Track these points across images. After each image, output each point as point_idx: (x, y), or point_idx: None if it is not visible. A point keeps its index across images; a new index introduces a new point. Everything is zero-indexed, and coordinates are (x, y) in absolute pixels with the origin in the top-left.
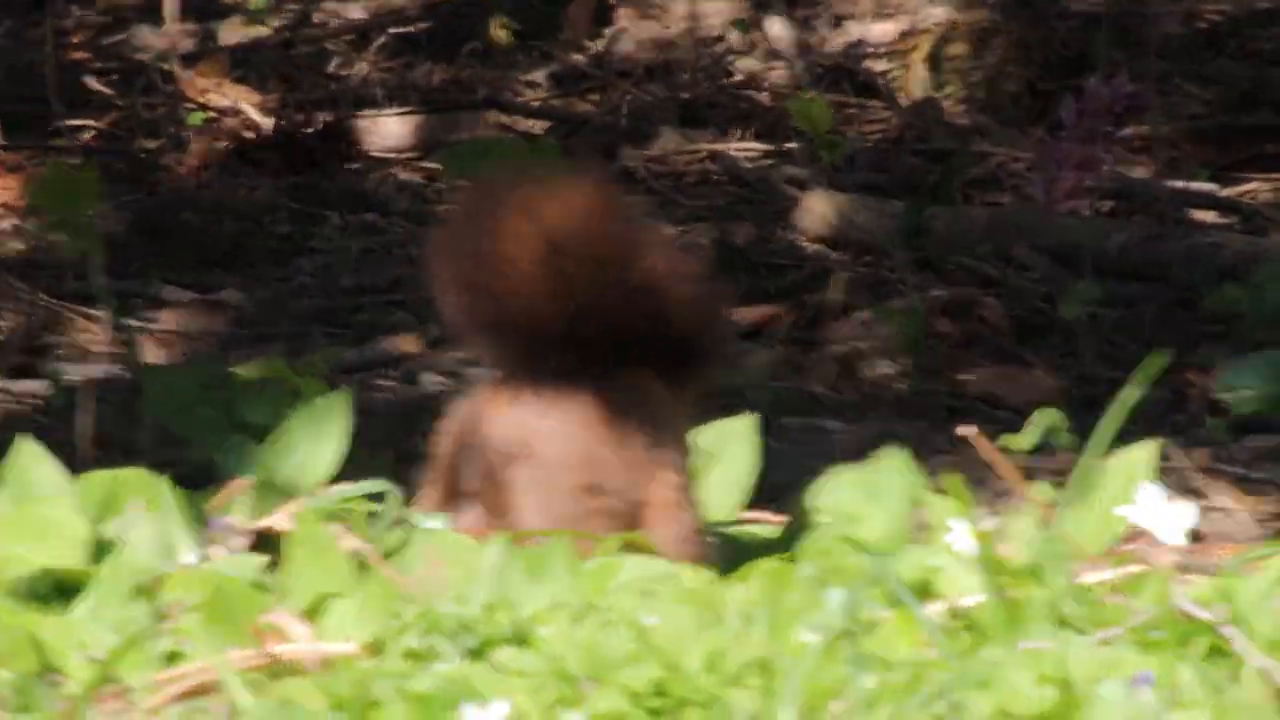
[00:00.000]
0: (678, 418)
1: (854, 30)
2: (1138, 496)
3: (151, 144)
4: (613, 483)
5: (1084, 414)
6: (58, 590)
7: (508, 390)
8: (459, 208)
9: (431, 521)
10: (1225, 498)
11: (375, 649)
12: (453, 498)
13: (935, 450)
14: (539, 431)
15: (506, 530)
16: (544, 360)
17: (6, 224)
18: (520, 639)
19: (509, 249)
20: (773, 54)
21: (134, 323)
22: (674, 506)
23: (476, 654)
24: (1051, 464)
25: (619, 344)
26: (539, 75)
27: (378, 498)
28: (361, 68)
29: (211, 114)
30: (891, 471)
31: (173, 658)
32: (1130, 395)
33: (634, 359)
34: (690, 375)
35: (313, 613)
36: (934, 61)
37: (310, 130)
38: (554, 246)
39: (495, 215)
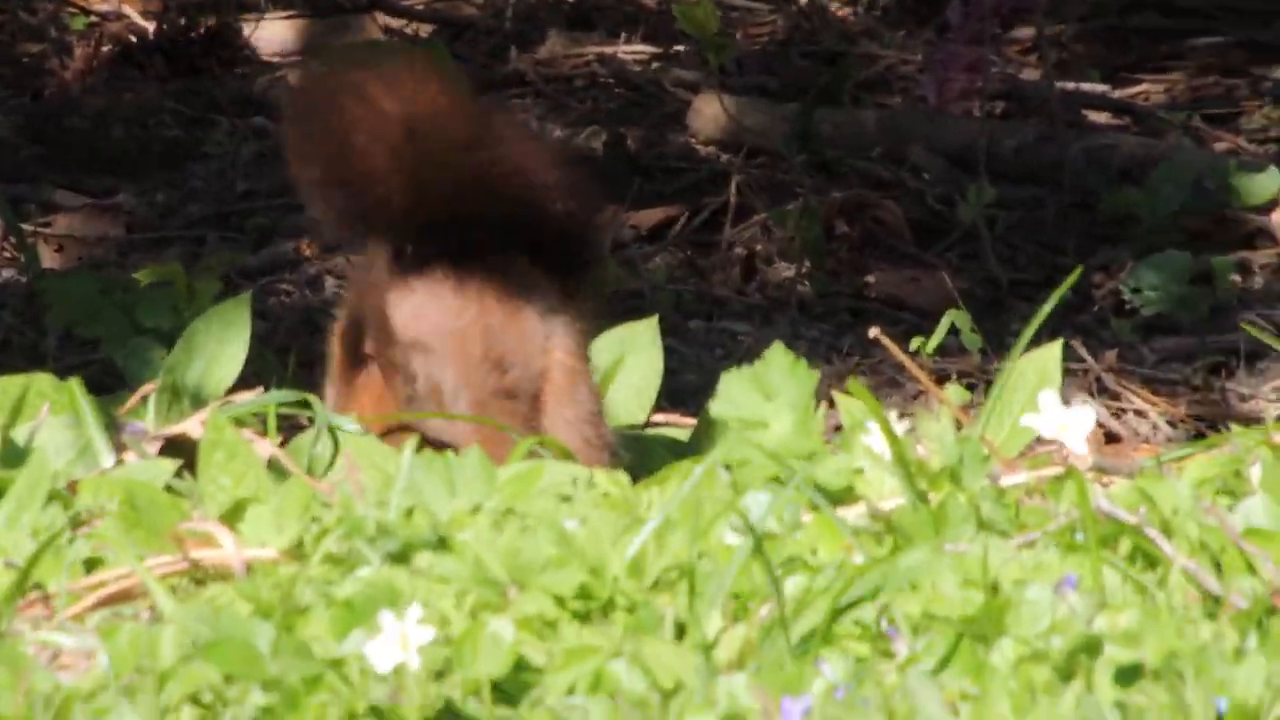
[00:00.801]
0: (566, 306)
1: None
2: (1039, 403)
3: (34, 48)
4: (513, 358)
5: (987, 314)
6: None
7: (399, 269)
8: (305, 100)
9: (346, 425)
10: (1136, 399)
11: (296, 554)
12: (355, 368)
13: (843, 352)
14: (441, 305)
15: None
16: (408, 247)
17: None
18: (441, 544)
19: (360, 139)
20: None
21: (28, 227)
22: (571, 389)
23: (398, 558)
24: (959, 365)
25: (487, 230)
26: None
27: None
28: None
29: (94, 18)
30: (782, 371)
31: (91, 564)
32: (1045, 311)
33: (507, 247)
34: (567, 264)
35: (231, 518)
36: None
37: (194, 34)
38: (406, 133)
39: (344, 105)
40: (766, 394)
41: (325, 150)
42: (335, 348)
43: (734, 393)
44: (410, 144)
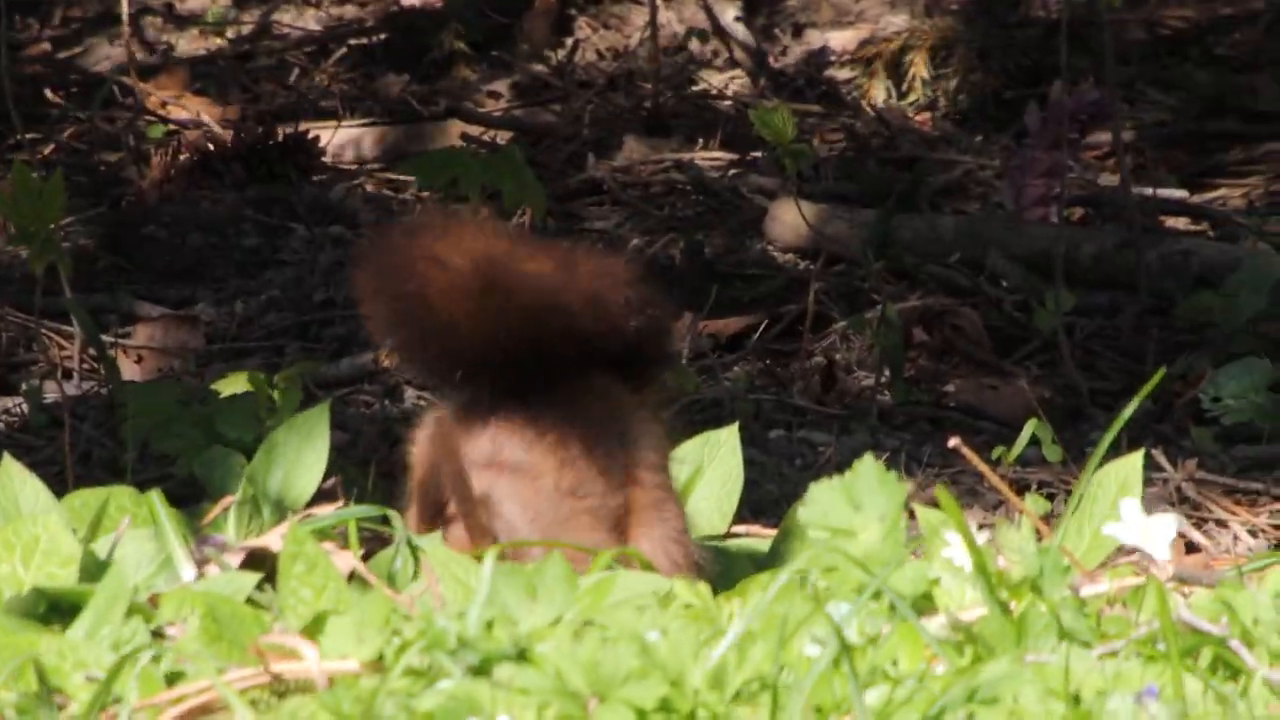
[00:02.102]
0: (648, 421)
1: (814, 39)
2: (1120, 512)
3: (112, 157)
4: (592, 484)
5: (1066, 424)
6: (52, 609)
7: (474, 410)
8: (376, 269)
9: (425, 539)
10: (1217, 508)
11: (377, 667)
12: (434, 520)
13: (923, 463)
14: (513, 443)
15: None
16: (490, 384)
17: None
18: (521, 655)
19: (436, 298)
20: (734, 63)
21: (107, 339)
22: (656, 508)
23: (478, 671)
24: (1039, 474)
25: (563, 361)
26: (501, 85)
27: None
28: (321, 79)
29: (172, 126)
30: (872, 482)
31: (172, 678)
32: (1126, 415)
33: (584, 370)
34: (643, 376)
35: (312, 631)
36: (896, 70)
37: (272, 142)
38: (481, 285)
39: (416, 268)
40: (855, 504)
41: (402, 313)
42: (414, 493)
43: (823, 501)
44: (485, 297)
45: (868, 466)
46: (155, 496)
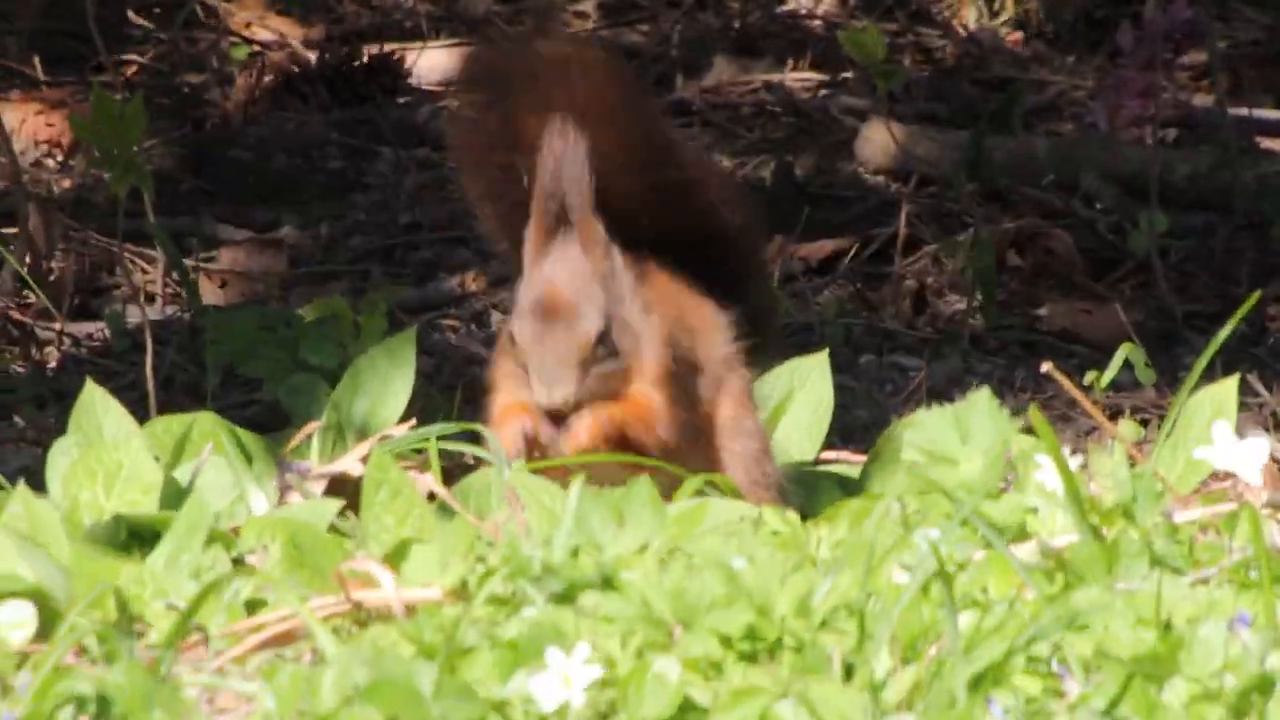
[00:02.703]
0: (731, 344)
1: None
2: (1212, 435)
3: (195, 78)
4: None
5: (1161, 347)
6: (133, 536)
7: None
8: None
9: (508, 464)
10: None
11: (459, 594)
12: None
13: (1015, 387)
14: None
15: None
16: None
17: (52, 162)
18: (606, 583)
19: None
20: None
21: (190, 263)
22: (735, 421)
23: (562, 599)
24: (1133, 399)
25: (664, 236)
26: (588, 4)
27: (449, 438)
28: None
29: (255, 47)
30: (983, 415)
31: (253, 606)
32: (1220, 339)
33: (683, 260)
34: (736, 289)
35: (394, 558)
36: None
37: (357, 63)
38: (587, 124)
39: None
40: (964, 435)
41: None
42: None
43: (931, 428)
44: (604, 128)
45: (981, 399)
46: (233, 424)
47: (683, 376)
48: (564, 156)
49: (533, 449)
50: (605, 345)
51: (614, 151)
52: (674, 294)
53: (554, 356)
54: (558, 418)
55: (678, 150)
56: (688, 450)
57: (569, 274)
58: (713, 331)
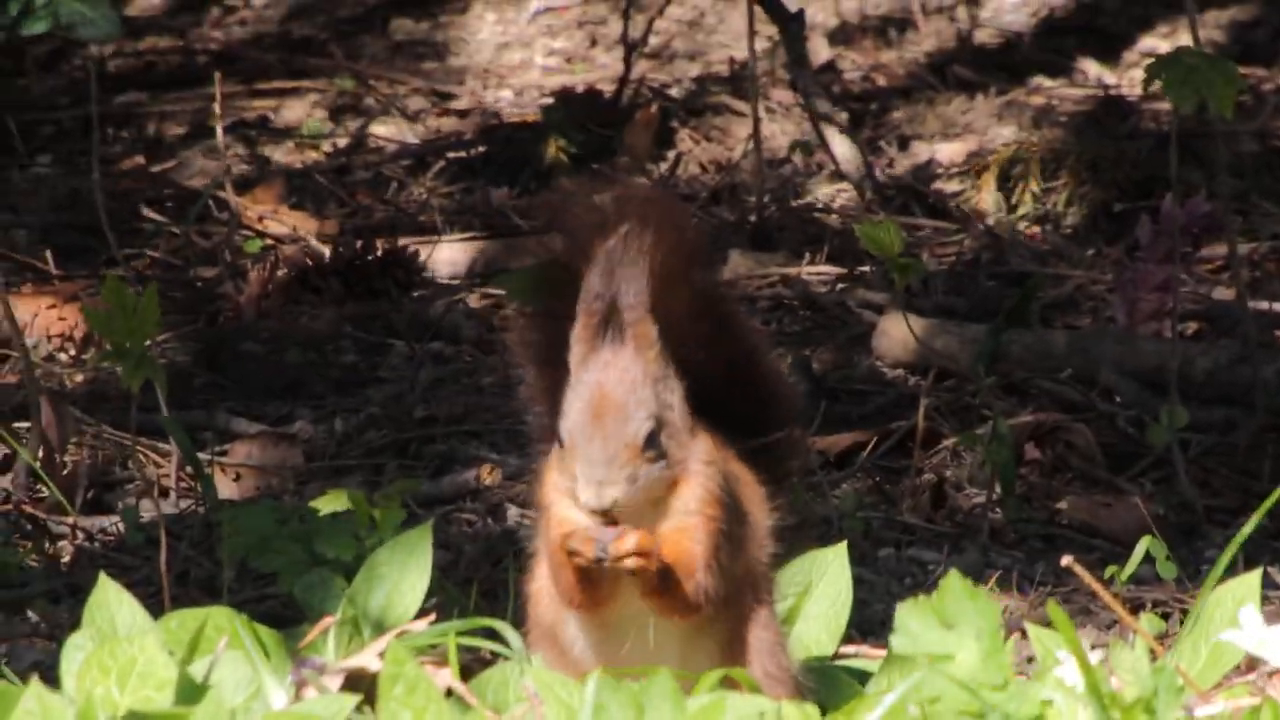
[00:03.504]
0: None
1: (922, 151)
2: (1240, 620)
3: (209, 272)
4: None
5: (1182, 542)
6: None
7: None
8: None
9: (528, 658)
10: None
11: None
12: None
13: (1035, 581)
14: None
15: None
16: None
17: (64, 355)
18: None
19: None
20: (839, 175)
21: (204, 456)
22: (756, 615)
23: None
24: (1154, 593)
25: (707, 371)
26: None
27: (467, 632)
28: (420, 193)
29: (269, 241)
30: (961, 599)
31: None
32: (1246, 532)
33: (723, 401)
34: (769, 462)
35: None
36: (1005, 183)
37: (371, 257)
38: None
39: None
40: (947, 624)
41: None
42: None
43: (911, 625)
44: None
45: (954, 583)
46: (249, 618)
47: (729, 514)
48: (622, 254)
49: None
50: (655, 448)
51: (683, 308)
52: (723, 452)
53: (603, 456)
54: (607, 521)
55: (742, 318)
56: (722, 603)
57: (619, 374)
58: (756, 496)
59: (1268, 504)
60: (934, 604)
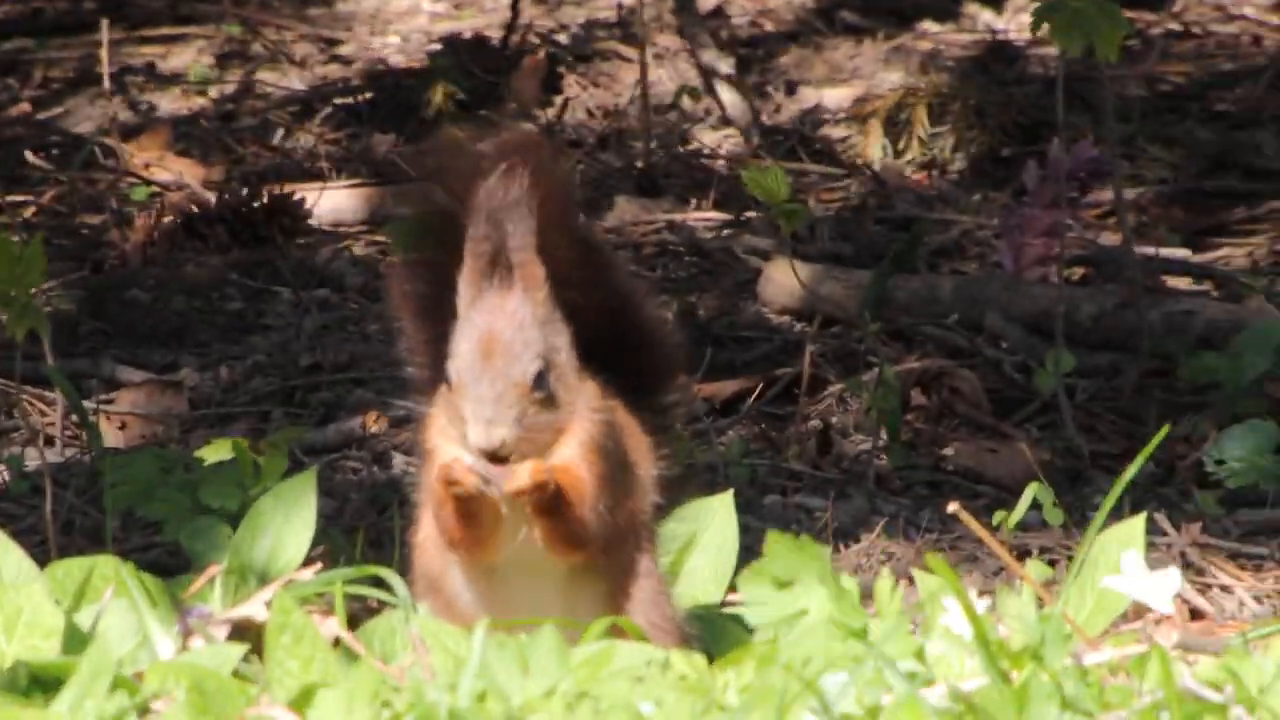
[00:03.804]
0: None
1: (809, 97)
2: (1123, 566)
3: (94, 220)
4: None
5: (1068, 487)
6: (35, 683)
7: None
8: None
9: (414, 607)
10: (1222, 574)
11: None
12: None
13: (922, 528)
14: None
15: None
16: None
17: None
18: None
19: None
20: (726, 121)
21: (89, 405)
22: (637, 564)
23: None
24: (1041, 539)
25: (585, 313)
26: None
27: (354, 581)
28: (306, 139)
29: (155, 188)
30: (788, 555)
31: None
32: (1128, 476)
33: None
34: (652, 405)
35: (299, 704)
36: (891, 128)
37: (256, 204)
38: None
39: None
40: (783, 584)
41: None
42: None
43: (756, 595)
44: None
45: (778, 540)
46: (135, 567)
47: (613, 461)
48: (505, 198)
49: (473, 495)
50: (543, 388)
51: (564, 255)
52: (608, 400)
53: (491, 396)
54: (495, 461)
55: (622, 266)
56: (605, 549)
57: (508, 315)
58: (641, 446)
59: (1149, 448)
60: (766, 567)
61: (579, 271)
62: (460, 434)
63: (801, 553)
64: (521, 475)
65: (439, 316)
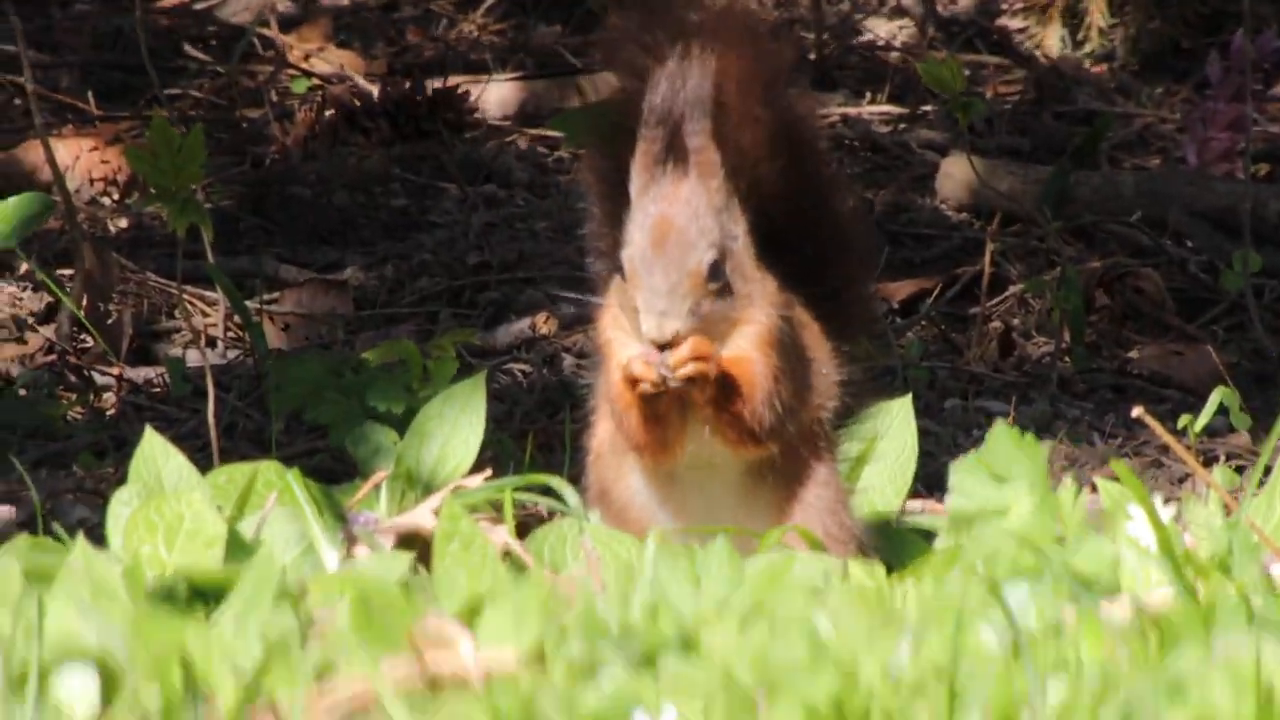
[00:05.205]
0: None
1: None
2: None
3: (254, 113)
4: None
5: (1256, 390)
6: (196, 593)
7: None
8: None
9: (587, 515)
10: None
11: (536, 656)
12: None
13: (1106, 433)
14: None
15: None
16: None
17: (108, 200)
18: (687, 645)
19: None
20: (900, 12)
21: (252, 305)
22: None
23: (642, 661)
24: (1228, 445)
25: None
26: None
27: (524, 489)
28: (470, 30)
29: (315, 80)
30: (1009, 450)
31: (324, 669)
32: None
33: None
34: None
35: (468, 616)
36: (1071, 18)
37: (420, 97)
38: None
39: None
40: (998, 478)
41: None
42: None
43: (966, 484)
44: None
45: (1001, 434)
46: (299, 473)
47: (790, 358)
48: (684, 78)
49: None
50: (718, 279)
51: (756, 139)
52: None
53: (665, 286)
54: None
55: (822, 156)
56: (782, 451)
57: (682, 202)
58: (820, 346)
59: None
60: (983, 458)
61: (773, 159)
62: (634, 325)
63: (1022, 450)
64: (683, 349)
65: (624, 201)
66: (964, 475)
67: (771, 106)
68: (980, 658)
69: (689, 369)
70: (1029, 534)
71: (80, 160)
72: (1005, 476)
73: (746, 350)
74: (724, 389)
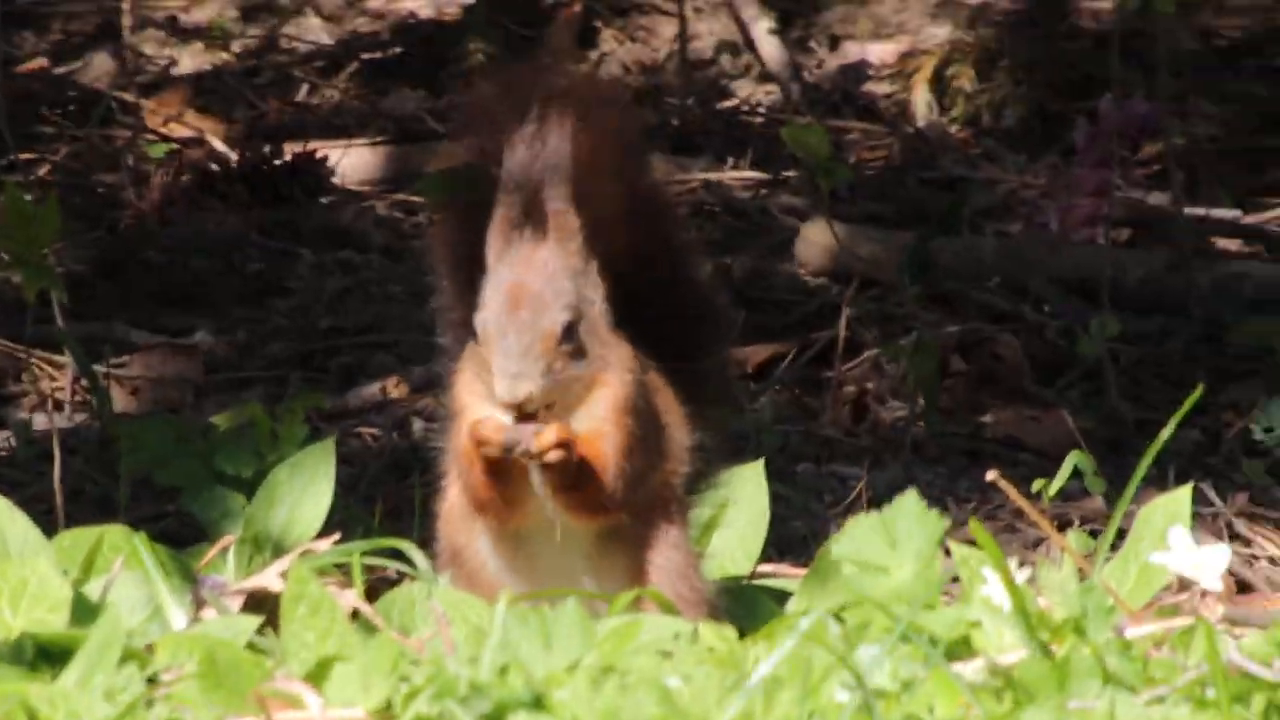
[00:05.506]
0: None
1: (852, 51)
2: (1169, 541)
3: (111, 178)
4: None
5: (1111, 456)
6: (42, 655)
7: None
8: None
9: (438, 579)
10: (1271, 545)
11: (385, 716)
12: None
13: (959, 497)
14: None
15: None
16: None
17: None
18: (536, 703)
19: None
20: (767, 77)
21: (101, 369)
22: (665, 535)
23: (492, 719)
24: (1082, 509)
25: (630, 266)
26: None
27: (372, 552)
28: (332, 95)
29: (174, 145)
30: (910, 518)
31: None
32: (1164, 437)
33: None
34: (696, 376)
35: (316, 677)
36: (937, 84)
37: (279, 161)
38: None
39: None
40: (891, 541)
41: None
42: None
43: (859, 535)
44: (609, 176)
45: (908, 502)
46: (146, 537)
47: (645, 422)
48: (543, 142)
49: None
50: (572, 340)
51: (612, 207)
52: (643, 360)
53: (519, 348)
54: (522, 417)
55: (676, 224)
56: (633, 517)
57: (539, 265)
58: (674, 411)
59: (1183, 410)
60: (883, 519)
61: (628, 227)
62: (488, 389)
63: (921, 523)
64: (548, 435)
65: (475, 269)
66: (858, 528)
67: (629, 173)
68: (832, 714)
69: (555, 456)
70: (901, 597)
71: None
72: (897, 542)
73: (599, 424)
74: (578, 472)
